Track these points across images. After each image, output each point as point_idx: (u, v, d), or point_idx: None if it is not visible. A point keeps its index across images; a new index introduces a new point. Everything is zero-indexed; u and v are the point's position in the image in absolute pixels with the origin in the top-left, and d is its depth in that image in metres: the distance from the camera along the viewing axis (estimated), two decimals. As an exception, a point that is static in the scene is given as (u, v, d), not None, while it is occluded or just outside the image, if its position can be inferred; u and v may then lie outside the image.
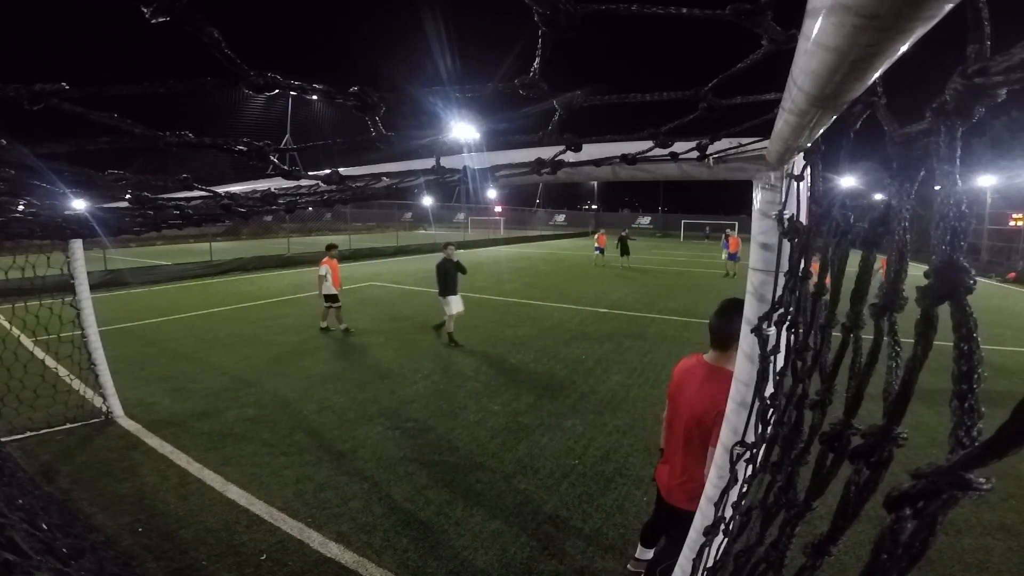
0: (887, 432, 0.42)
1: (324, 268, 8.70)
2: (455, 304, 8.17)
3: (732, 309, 2.18)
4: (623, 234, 20.65)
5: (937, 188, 0.40)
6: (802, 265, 1.12)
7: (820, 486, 0.60)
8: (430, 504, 3.73)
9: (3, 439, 4.25)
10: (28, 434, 4.69)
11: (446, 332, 8.21)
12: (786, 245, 1.38)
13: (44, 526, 1.57)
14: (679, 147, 1.54)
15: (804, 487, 0.69)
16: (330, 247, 9.18)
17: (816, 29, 0.47)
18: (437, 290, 8.21)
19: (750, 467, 1.43)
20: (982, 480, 0.30)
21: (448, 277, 8.08)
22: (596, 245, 21.62)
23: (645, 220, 54.91)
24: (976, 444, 0.31)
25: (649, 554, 3.02)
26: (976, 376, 0.33)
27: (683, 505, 2.39)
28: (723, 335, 2.28)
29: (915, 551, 0.34)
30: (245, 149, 0.93)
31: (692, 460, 2.34)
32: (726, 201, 51.10)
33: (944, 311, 0.38)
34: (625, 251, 19.95)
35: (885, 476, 0.44)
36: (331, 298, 8.82)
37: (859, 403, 0.54)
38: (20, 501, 1.60)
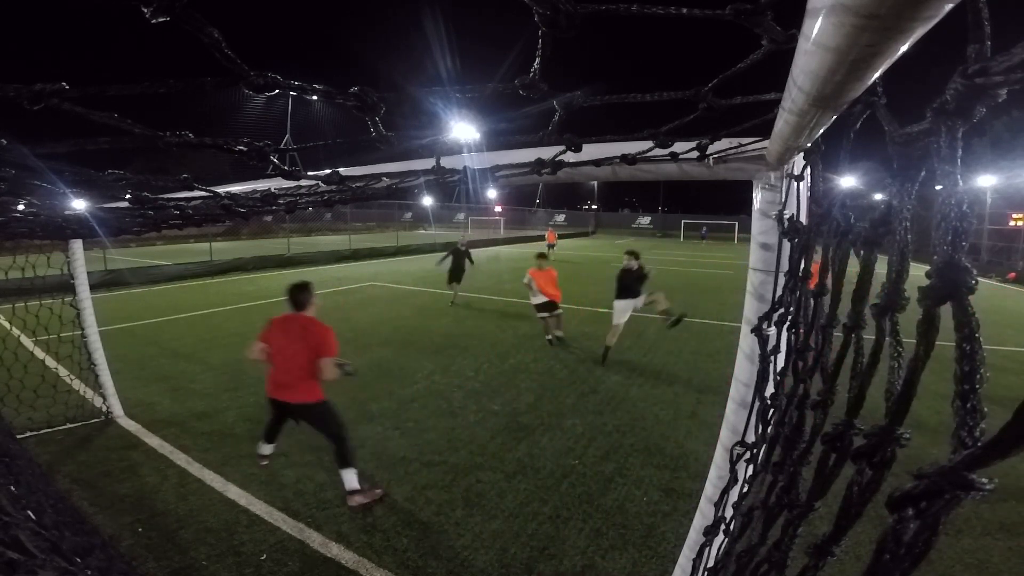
0: (889, 432, 0.42)
1: (527, 277, 8.26)
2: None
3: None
4: (461, 246, 11.55)
5: (938, 188, 0.40)
6: (802, 265, 1.12)
7: (823, 486, 0.60)
8: (430, 504, 3.73)
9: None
10: (28, 434, 4.69)
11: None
12: (786, 245, 1.38)
13: (51, 524, 1.57)
14: (679, 147, 1.54)
15: (806, 487, 0.69)
16: (539, 256, 8.65)
17: (816, 29, 0.47)
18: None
19: (750, 467, 1.43)
20: (984, 480, 0.30)
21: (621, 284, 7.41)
22: (548, 242, 24.29)
23: (645, 220, 54.84)
24: (979, 444, 0.31)
25: (269, 449, 4.20)
26: (979, 376, 0.33)
27: (302, 400, 3.77)
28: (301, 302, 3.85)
29: (917, 551, 0.34)
30: (245, 149, 0.93)
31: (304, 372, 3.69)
32: (726, 201, 51.10)
33: (946, 311, 0.38)
34: (456, 277, 11.26)
35: (887, 476, 0.44)
36: (538, 307, 8.25)
37: (861, 403, 0.54)
38: (26, 500, 1.60)
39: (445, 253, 11.58)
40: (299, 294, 3.91)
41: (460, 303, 11.34)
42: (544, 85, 0.75)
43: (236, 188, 2.60)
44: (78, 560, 1.31)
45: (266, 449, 4.18)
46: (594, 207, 66.83)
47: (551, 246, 23.94)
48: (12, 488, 1.59)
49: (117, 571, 1.85)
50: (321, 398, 3.81)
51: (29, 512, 1.40)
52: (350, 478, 3.72)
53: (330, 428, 3.81)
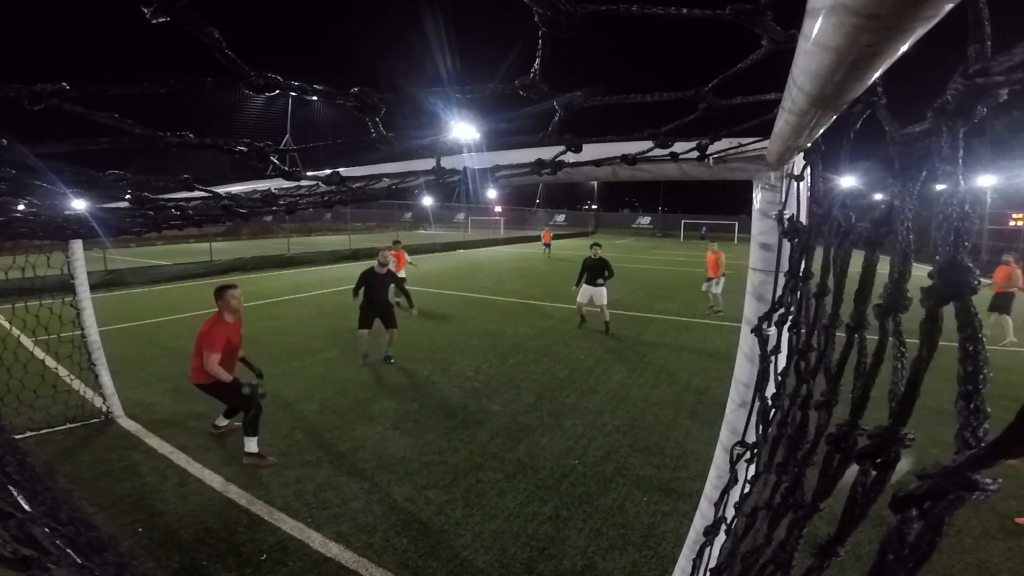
0: (893, 433, 0.42)
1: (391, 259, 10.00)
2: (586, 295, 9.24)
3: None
4: (381, 267, 7.11)
5: (940, 188, 0.40)
6: (802, 265, 1.12)
7: (827, 487, 0.59)
8: (430, 504, 3.73)
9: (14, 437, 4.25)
10: (28, 434, 4.69)
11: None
12: (786, 245, 1.38)
13: (67, 520, 1.56)
14: (679, 147, 1.54)
15: (810, 488, 0.68)
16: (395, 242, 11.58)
17: (816, 29, 0.47)
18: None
19: (750, 467, 1.43)
20: (988, 480, 0.30)
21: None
22: (543, 242, 24.93)
23: (645, 220, 54.85)
24: (983, 444, 0.31)
25: (226, 422, 4.86)
26: (982, 376, 0.33)
27: (197, 380, 4.40)
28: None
29: (922, 552, 0.34)
30: (245, 150, 0.93)
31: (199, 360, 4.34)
32: (726, 201, 51.14)
33: (947, 311, 0.38)
34: (379, 314, 7.14)
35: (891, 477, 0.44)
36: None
37: (865, 404, 0.54)
38: (42, 496, 1.59)
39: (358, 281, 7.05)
40: (215, 293, 4.55)
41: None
42: (544, 85, 0.75)
43: (236, 188, 2.60)
44: (96, 556, 1.30)
45: (222, 422, 4.88)
46: (594, 207, 66.84)
47: (547, 245, 24.37)
48: (28, 484, 1.59)
49: (131, 568, 1.85)
50: (213, 380, 4.37)
51: (44, 508, 1.39)
52: (250, 444, 4.33)
53: (232, 402, 4.47)
